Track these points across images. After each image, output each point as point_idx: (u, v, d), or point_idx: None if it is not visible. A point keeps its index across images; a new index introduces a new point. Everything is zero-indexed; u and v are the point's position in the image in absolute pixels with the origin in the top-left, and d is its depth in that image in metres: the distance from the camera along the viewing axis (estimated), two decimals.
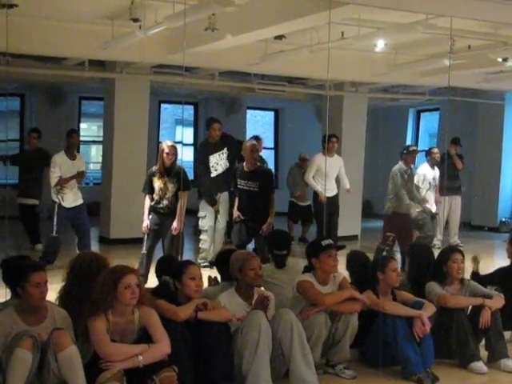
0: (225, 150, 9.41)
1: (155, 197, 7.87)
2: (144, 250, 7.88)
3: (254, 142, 8.83)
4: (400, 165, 9.75)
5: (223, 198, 9.47)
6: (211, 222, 9.50)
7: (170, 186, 7.82)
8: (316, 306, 5.19)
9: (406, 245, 9.34)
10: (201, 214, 9.57)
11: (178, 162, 8.00)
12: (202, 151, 9.64)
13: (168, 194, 7.83)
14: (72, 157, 9.27)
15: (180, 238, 7.85)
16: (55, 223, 9.00)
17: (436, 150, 10.82)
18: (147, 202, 7.92)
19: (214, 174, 9.36)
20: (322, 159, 10.33)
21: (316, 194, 10.60)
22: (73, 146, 9.41)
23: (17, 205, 10.69)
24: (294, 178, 12.74)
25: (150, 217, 7.91)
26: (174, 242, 7.82)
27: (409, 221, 9.62)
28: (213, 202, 9.35)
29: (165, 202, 7.85)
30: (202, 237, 9.61)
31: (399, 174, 9.59)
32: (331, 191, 10.43)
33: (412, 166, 9.90)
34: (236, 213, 8.46)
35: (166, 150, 7.78)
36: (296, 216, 12.72)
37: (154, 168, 7.95)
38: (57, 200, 9.07)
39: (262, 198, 8.39)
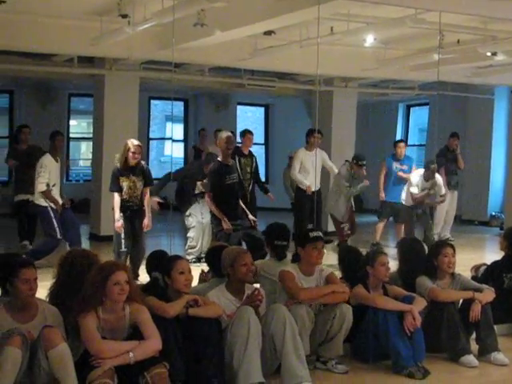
0: None
1: (124, 195, 7.92)
2: (124, 248, 7.95)
3: (230, 133, 8.60)
4: (349, 171, 9.99)
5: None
6: (198, 218, 9.55)
7: (139, 184, 7.94)
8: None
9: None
10: (186, 212, 9.61)
11: (143, 161, 8.17)
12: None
13: (137, 192, 7.95)
14: (56, 159, 9.15)
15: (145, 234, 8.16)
16: (56, 226, 8.86)
17: (435, 166, 10.87)
18: (117, 201, 7.92)
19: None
20: (305, 154, 10.48)
21: (298, 190, 10.59)
22: (58, 148, 9.30)
23: (7, 202, 10.62)
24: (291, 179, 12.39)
25: (121, 215, 7.96)
26: (143, 238, 8.09)
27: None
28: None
29: (134, 200, 7.96)
30: (189, 234, 9.65)
31: (344, 180, 9.87)
32: (312, 186, 10.45)
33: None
34: (226, 224, 8.03)
35: (132, 150, 7.78)
36: None
37: (119, 166, 7.92)
38: (46, 204, 8.92)
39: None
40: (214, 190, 8.13)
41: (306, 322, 5.10)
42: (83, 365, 4.16)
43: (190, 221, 9.68)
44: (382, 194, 11.36)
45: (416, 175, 10.74)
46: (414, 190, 10.53)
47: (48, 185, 8.88)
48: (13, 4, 7.80)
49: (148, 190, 8.04)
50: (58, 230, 8.89)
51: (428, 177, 10.58)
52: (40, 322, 4.29)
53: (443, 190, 10.88)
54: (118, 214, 7.90)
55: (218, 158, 8.37)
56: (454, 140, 12.32)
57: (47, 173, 8.89)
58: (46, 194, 8.88)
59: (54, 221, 8.90)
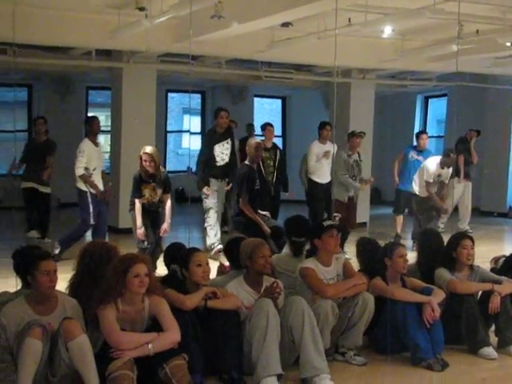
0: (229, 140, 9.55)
1: (144, 201, 7.94)
2: (147, 245, 7.94)
3: (259, 140, 8.75)
4: (345, 149, 9.97)
5: (222, 186, 9.56)
6: (214, 199, 9.53)
7: (159, 192, 7.97)
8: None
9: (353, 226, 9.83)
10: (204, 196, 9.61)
11: (162, 168, 8.17)
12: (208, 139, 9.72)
13: (156, 198, 7.99)
14: (96, 144, 9.24)
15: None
16: (91, 211, 8.95)
17: (455, 156, 10.81)
18: (138, 208, 7.87)
19: (219, 163, 9.47)
20: (319, 146, 10.40)
21: (311, 182, 10.56)
22: (96, 131, 9.32)
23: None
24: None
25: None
26: (160, 240, 8.09)
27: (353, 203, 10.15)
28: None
29: (154, 205, 8.02)
30: (206, 215, 9.57)
31: (341, 168, 9.81)
32: (326, 178, 10.43)
33: (357, 149, 10.12)
34: (265, 228, 7.95)
35: (144, 158, 7.77)
36: None
37: (139, 173, 7.91)
38: (86, 189, 8.99)
39: None
40: (247, 193, 8.14)
41: (329, 317, 5.08)
42: (103, 356, 4.19)
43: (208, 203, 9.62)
44: (396, 179, 11.27)
45: (433, 162, 10.54)
46: (430, 179, 10.39)
47: (87, 169, 8.96)
48: None
49: (168, 197, 8.06)
50: (92, 215, 8.98)
51: (445, 164, 10.42)
52: (60, 313, 4.32)
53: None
54: (139, 222, 7.86)
55: (246, 162, 8.42)
56: (472, 133, 12.28)
57: (85, 157, 8.94)
58: (85, 179, 8.95)
59: (91, 206, 8.97)
